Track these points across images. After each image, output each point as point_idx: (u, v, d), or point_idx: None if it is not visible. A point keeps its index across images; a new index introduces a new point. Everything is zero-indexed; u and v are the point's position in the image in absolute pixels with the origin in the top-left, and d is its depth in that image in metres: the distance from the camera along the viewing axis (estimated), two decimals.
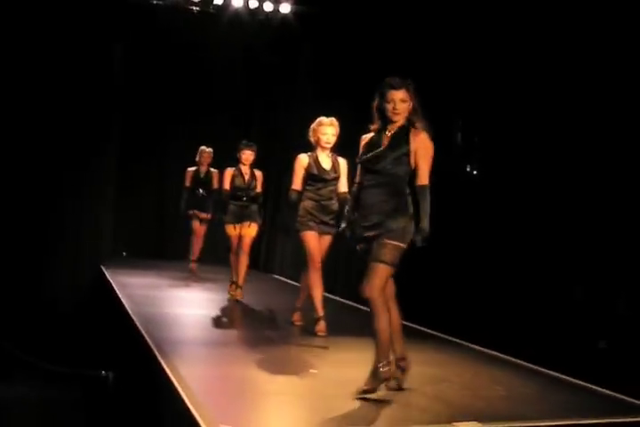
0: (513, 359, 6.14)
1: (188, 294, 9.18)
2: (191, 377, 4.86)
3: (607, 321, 6.44)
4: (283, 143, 11.82)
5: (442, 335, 6.97)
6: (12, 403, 7.59)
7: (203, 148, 10.78)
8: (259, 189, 8.89)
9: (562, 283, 6.62)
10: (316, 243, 6.74)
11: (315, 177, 6.80)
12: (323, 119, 6.82)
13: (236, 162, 8.91)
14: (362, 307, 8.46)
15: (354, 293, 5.88)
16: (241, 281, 8.68)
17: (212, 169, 10.64)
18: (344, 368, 5.50)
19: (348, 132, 6.38)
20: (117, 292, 8.44)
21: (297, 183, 6.84)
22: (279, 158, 11.63)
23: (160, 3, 11.21)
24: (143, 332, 6.22)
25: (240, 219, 8.76)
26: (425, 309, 6.26)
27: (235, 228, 8.74)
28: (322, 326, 6.62)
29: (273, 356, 5.82)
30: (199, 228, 10.80)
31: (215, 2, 11.21)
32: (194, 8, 11.41)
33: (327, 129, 6.81)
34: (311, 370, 5.43)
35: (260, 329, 7.11)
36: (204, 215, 10.75)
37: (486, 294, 7.00)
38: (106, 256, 11.31)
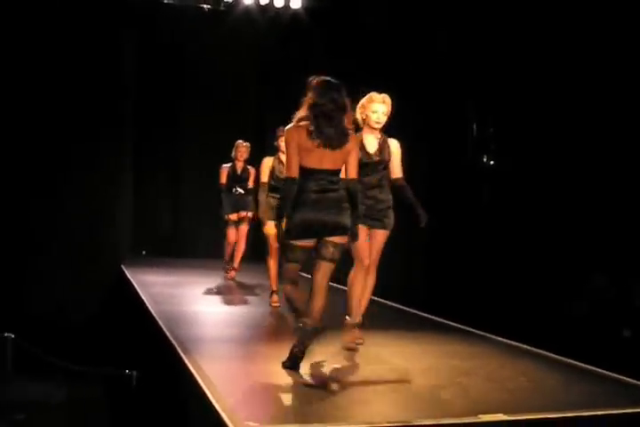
0: (537, 350, 6.11)
1: (209, 291, 9.19)
2: (215, 375, 4.86)
3: (630, 310, 6.41)
4: None
5: (466, 328, 6.94)
6: (36, 402, 7.63)
7: (239, 142, 10.04)
8: None
9: (584, 273, 6.59)
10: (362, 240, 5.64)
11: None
12: (374, 95, 5.87)
13: (274, 151, 7.90)
14: (388, 302, 8.46)
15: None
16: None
17: (248, 166, 9.93)
18: (369, 363, 5.49)
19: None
20: (138, 291, 8.46)
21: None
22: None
23: (171, 1, 11.21)
24: (165, 330, 6.23)
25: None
26: (449, 301, 6.24)
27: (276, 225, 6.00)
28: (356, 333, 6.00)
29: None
30: (233, 234, 10.05)
31: None
32: (205, 6, 11.41)
33: (378, 106, 5.81)
34: (334, 365, 5.42)
35: (283, 325, 7.11)
36: (243, 214, 9.97)
37: (509, 285, 6.97)
38: (126, 255, 11.35)
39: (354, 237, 5.03)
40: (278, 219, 5.02)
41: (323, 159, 4.86)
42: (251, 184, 9.81)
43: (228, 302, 8.35)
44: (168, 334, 6.08)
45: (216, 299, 8.64)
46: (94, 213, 10.73)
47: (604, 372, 5.48)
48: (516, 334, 6.39)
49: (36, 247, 10.26)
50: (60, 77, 10.35)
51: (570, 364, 5.74)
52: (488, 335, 6.64)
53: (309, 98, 4.93)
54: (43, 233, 10.33)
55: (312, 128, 4.84)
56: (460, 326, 7.02)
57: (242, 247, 9.99)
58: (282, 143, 7.41)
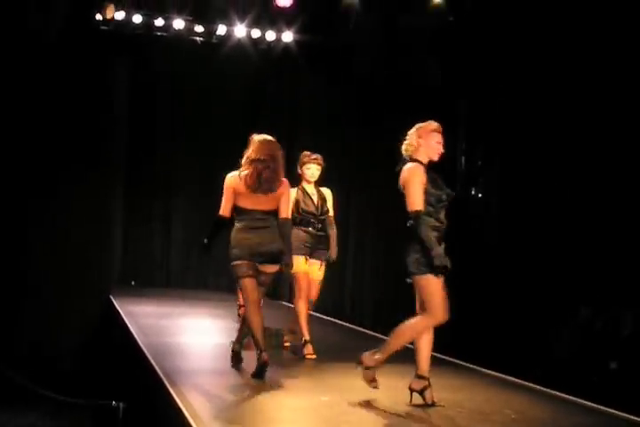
0: (525, 383, 6.12)
1: (198, 322, 9.17)
2: (201, 407, 4.86)
3: (617, 342, 6.43)
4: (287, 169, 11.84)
5: (455, 360, 6.94)
6: None
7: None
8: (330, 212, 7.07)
9: (570, 304, 6.62)
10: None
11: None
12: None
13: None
14: (377, 335, 8.46)
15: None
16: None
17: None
18: (355, 395, 5.49)
19: (349, 159, 6.43)
20: (126, 321, 8.44)
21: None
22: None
23: (164, 34, 11.33)
24: (152, 361, 6.22)
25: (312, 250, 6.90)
26: (439, 334, 6.24)
27: (306, 262, 6.83)
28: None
29: (284, 384, 5.80)
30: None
31: (218, 32, 11.33)
32: (197, 38, 11.53)
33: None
34: (322, 398, 5.41)
35: (272, 356, 7.09)
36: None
37: (496, 317, 6.99)
38: (114, 286, 11.33)
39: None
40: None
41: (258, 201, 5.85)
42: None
43: (217, 334, 8.32)
44: (155, 365, 6.07)
45: (205, 330, 8.62)
46: (83, 242, 10.71)
47: (592, 404, 5.49)
48: (504, 366, 6.40)
49: (24, 277, 10.22)
50: (52, 107, 10.39)
51: (557, 396, 5.76)
52: (476, 368, 6.64)
53: (250, 152, 5.88)
54: (30, 262, 10.30)
55: (251, 177, 5.79)
56: (449, 358, 7.02)
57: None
58: (307, 171, 6.97)
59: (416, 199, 4.94)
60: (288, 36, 11.44)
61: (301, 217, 6.86)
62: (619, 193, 6.24)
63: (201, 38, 11.54)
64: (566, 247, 6.62)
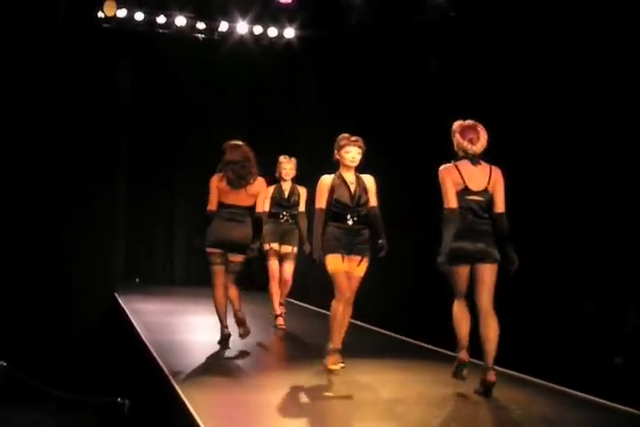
0: (529, 378, 6.12)
1: (202, 319, 9.16)
2: (207, 404, 4.87)
3: (622, 337, 6.43)
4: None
5: (454, 354, 6.91)
6: None
7: (282, 157, 8.42)
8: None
9: (574, 299, 6.61)
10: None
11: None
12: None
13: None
14: (375, 328, 8.47)
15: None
16: None
17: (298, 187, 8.37)
18: (359, 391, 5.50)
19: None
20: (131, 319, 8.45)
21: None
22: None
23: (166, 31, 11.33)
24: (158, 359, 6.23)
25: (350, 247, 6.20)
26: (438, 328, 6.25)
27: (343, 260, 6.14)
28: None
29: (289, 380, 5.81)
30: (277, 267, 8.38)
31: (220, 29, 11.33)
32: (199, 35, 11.54)
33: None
34: (326, 393, 5.42)
35: (275, 354, 7.11)
36: (288, 248, 8.37)
37: (499, 312, 7.00)
38: (119, 283, 11.34)
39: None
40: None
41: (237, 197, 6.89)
42: (301, 208, 8.25)
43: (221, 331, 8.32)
44: (161, 362, 6.08)
45: (209, 327, 8.61)
46: (87, 240, 10.71)
47: (596, 399, 5.49)
48: (507, 361, 6.39)
49: (28, 275, 10.23)
50: (54, 106, 10.38)
51: (561, 391, 5.75)
52: (478, 362, 6.63)
53: (226, 156, 6.95)
54: (35, 260, 10.30)
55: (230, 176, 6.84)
56: (449, 352, 6.98)
57: (285, 292, 8.53)
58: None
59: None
60: (290, 33, 11.44)
61: (335, 210, 6.11)
62: (623, 188, 6.24)
63: (203, 35, 11.56)
64: (571, 242, 6.61)
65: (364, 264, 6.16)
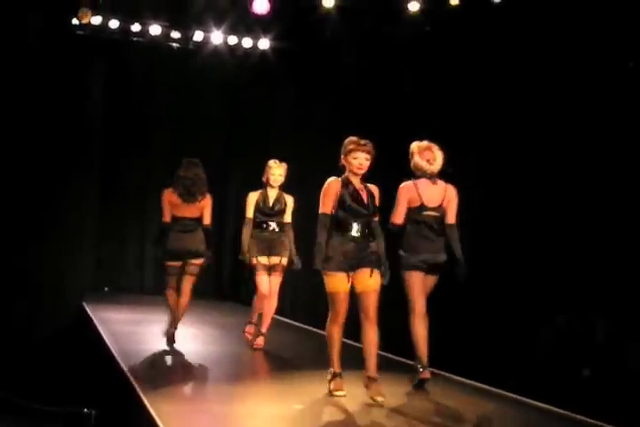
0: (498, 391, 6.13)
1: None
2: (174, 414, 4.84)
3: (590, 349, 6.46)
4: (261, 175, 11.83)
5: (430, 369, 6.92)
6: None
7: (271, 162, 7.75)
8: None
9: (544, 310, 6.64)
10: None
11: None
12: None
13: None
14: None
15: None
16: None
17: (285, 195, 7.82)
18: (328, 403, 5.48)
19: (326, 164, 6.42)
20: (99, 328, 8.39)
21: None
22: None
23: (140, 39, 11.31)
24: (125, 369, 6.19)
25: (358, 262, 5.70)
26: (410, 342, 6.26)
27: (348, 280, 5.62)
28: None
29: (258, 391, 5.80)
30: (267, 283, 7.64)
31: (195, 38, 11.33)
32: (173, 44, 11.53)
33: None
34: (296, 405, 5.40)
35: (244, 364, 7.08)
36: (276, 260, 7.70)
37: (470, 324, 7.01)
38: (88, 292, 11.25)
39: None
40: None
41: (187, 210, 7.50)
42: (287, 219, 7.77)
43: (190, 341, 8.28)
44: (128, 372, 6.04)
45: (177, 337, 8.57)
46: (56, 248, 10.64)
47: (565, 412, 5.52)
48: (477, 373, 6.41)
49: None
50: (27, 112, 10.33)
51: (531, 404, 5.77)
52: (449, 375, 6.65)
53: (179, 171, 7.55)
54: (2, 269, 10.21)
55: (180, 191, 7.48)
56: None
57: (273, 307, 7.76)
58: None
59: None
60: (264, 44, 11.46)
61: (342, 218, 5.61)
62: (591, 199, 6.30)
63: (177, 44, 11.55)
64: (541, 254, 6.65)
65: (377, 276, 5.57)
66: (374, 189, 5.81)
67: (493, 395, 6.07)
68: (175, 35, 11.34)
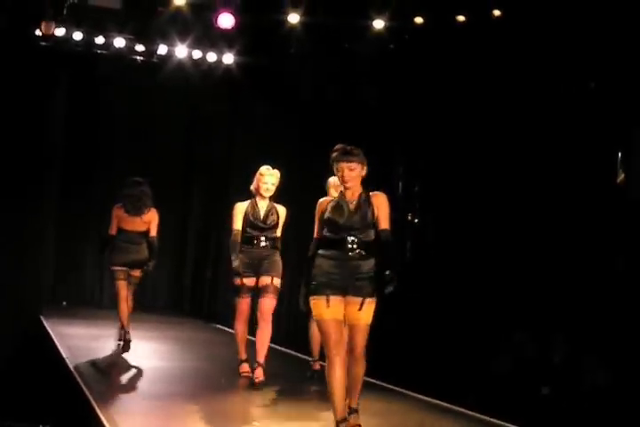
0: (457, 408, 6.13)
1: (131, 344, 9.02)
2: None
3: (550, 368, 6.50)
4: (223, 191, 11.81)
5: (385, 384, 6.92)
6: None
7: (265, 170, 6.75)
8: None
9: (504, 330, 6.68)
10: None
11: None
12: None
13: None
14: (301, 355, 8.42)
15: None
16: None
17: (277, 206, 6.86)
18: (287, 421, 5.45)
19: (288, 179, 6.42)
20: (56, 342, 8.28)
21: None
22: (223, 205, 11.62)
23: (104, 52, 11.25)
24: (82, 384, 6.10)
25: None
26: (370, 358, 6.24)
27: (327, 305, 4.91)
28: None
29: (216, 409, 5.74)
30: (245, 307, 6.79)
31: (159, 52, 11.29)
32: (137, 57, 11.48)
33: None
34: (254, 422, 5.36)
35: (204, 381, 7.01)
36: (267, 280, 6.69)
37: (429, 341, 7.02)
38: (45, 307, 11.10)
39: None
40: None
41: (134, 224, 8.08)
42: (278, 233, 6.86)
43: (148, 356, 8.20)
44: (84, 387, 5.96)
45: (136, 352, 8.48)
46: (12, 261, 10.49)
47: None
48: (436, 391, 6.41)
49: None
50: None
51: (489, 422, 5.77)
52: (407, 392, 6.63)
53: (125, 189, 8.17)
54: None
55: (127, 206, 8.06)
56: (378, 382, 6.97)
57: (268, 334, 6.69)
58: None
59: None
60: (229, 58, 11.45)
61: (327, 236, 4.97)
62: (552, 219, 6.37)
63: (141, 57, 11.49)
64: (501, 272, 6.69)
65: (368, 307, 4.84)
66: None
67: (453, 412, 6.06)
68: (139, 48, 11.28)
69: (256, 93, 11.36)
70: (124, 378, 7.01)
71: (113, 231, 8.15)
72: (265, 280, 6.66)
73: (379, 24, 8.98)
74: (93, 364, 7.28)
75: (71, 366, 6.86)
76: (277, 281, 6.66)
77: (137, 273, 8.27)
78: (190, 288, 12.95)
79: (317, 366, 6.87)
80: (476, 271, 6.88)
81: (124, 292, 8.16)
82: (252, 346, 6.76)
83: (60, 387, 7.08)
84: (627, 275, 6.27)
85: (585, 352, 6.34)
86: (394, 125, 8.15)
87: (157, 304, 12.64)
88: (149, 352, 8.49)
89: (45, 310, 10.73)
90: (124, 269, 8.11)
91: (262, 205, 6.75)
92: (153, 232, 8.14)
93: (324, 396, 5.09)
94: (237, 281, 6.65)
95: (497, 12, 7.37)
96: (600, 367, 6.45)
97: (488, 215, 6.90)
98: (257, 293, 6.71)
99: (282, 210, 6.79)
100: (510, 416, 5.76)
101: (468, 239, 7.01)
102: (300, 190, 8.35)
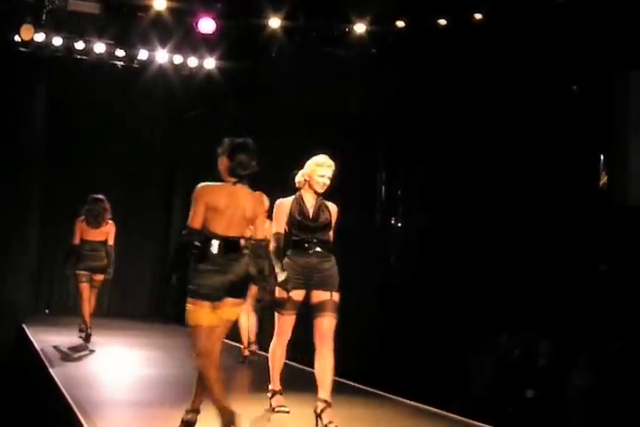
0: (443, 413, 6.11)
1: (112, 352, 8.97)
2: None
3: (533, 371, 6.50)
4: None
5: (369, 389, 6.89)
6: None
7: (323, 159, 5.65)
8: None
9: (489, 334, 6.68)
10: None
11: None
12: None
13: None
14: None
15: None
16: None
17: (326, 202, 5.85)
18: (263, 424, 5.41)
19: (268, 186, 6.37)
20: (39, 350, 8.21)
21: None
22: None
23: (85, 57, 11.19)
24: (64, 392, 6.04)
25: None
26: (350, 362, 6.23)
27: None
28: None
29: (200, 416, 5.68)
30: (291, 324, 5.64)
31: (139, 57, 11.24)
32: (118, 62, 11.43)
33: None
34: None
35: (187, 388, 6.95)
36: (324, 296, 5.50)
37: (413, 345, 7.02)
38: (28, 314, 11.02)
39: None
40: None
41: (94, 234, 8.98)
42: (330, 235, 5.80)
43: (132, 364, 8.14)
44: (67, 395, 5.90)
45: (119, 360, 8.43)
46: None
47: None
48: (420, 395, 6.39)
49: None
50: None
51: (473, 425, 5.76)
52: (392, 397, 6.61)
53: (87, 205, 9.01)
54: None
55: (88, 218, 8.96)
56: (363, 386, 6.94)
57: (330, 364, 5.44)
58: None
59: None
60: (210, 63, 11.42)
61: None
62: (538, 222, 6.38)
63: (122, 63, 11.44)
64: (485, 276, 6.70)
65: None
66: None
67: (437, 416, 6.05)
68: (120, 53, 11.24)
69: (237, 97, 11.34)
70: (107, 385, 6.95)
71: (76, 241, 9.04)
72: (322, 295, 5.44)
73: (360, 28, 8.98)
74: (76, 371, 7.22)
75: (54, 374, 6.79)
76: (337, 296, 5.45)
77: (99, 277, 9.16)
78: (172, 294, 12.87)
79: (246, 353, 7.85)
80: (460, 275, 6.88)
81: (87, 293, 9.11)
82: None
83: (43, 395, 7.02)
84: (610, 279, 6.29)
85: (569, 356, 6.34)
86: (376, 130, 8.15)
87: (139, 311, 12.56)
88: (132, 359, 8.44)
89: (28, 318, 10.65)
90: (87, 273, 9.04)
91: (309, 202, 5.59)
92: (110, 242, 9.17)
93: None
94: (281, 294, 5.42)
95: (478, 16, 7.38)
96: (584, 370, 6.46)
97: (472, 219, 6.90)
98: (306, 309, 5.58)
99: (333, 207, 5.66)
100: (495, 420, 5.75)
101: (452, 243, 7.01)
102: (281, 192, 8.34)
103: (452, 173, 7.23)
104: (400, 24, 8.42)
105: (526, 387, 6.52)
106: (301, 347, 5.74)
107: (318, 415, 5.12)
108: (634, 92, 6.75)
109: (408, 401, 6.45)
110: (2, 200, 10.42)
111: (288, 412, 5.62)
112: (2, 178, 10.43)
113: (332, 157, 5.31)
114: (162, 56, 11.28)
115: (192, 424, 4.90)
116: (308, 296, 5.44)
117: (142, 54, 11.23)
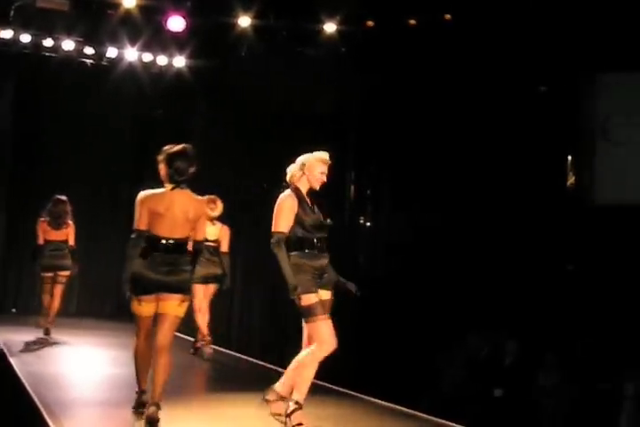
0: (411, 411, 6.13)
1: (80, 351, 8.91)
2: None
3: (501, 370, 6.54)
4: None
5: (338, 388, 6.89)
6: None
7: (323, 155, 5.37)
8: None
9: (456, 334, 6.71)
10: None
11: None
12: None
13: None
14: (257, 361, 8.38)
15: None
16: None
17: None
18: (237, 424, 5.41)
19: (242, 186, 6.38)
20: (4, 350, 8.13)
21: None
22: None
23: (53, 54, 11.10)
24: (31, 392, 5.99)
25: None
26: (324, 363, 6.23)
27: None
28: None
29: (168, 415, 5.66)
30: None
31: (108, 55, 11.17)
32: (87, 60, 11.34)
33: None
34: None
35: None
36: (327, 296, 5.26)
37: (381, 344, 7.03)
38: None
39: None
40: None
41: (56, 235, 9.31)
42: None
43: (99, 363, 8.09)
44: (34, 396, 5.85)
45: (87, 360, 8.38)
46: None
47: None
48: (389, 394, 6.40)
49: None
50: None
51: (443, 424, 5.78)
52: (361, 396, 6.62)
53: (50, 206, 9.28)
54: None
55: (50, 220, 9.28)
56: (335, 387, 6.95)
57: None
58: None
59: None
60: (180, 61, 11.38)
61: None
62: (506, 222, 6.42)
63: (91, 60, 11.36)
64: (454, 276, 6.73)
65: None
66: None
67: (406, 415, 6.07)
68: (89, 51, 11.15)
69: (207, 96, 11.30)
70: (75, 385, 6.90)
71: (41, 241, 9.38)
72: (325, 295, 5.21)
73: (330, 27, 8.99)
74: (43, 371, 7.16)
75: (20, 374, 6.73)
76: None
77: (64, 273, 9.56)
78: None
79: (198, 344, 8.51)
80: (429, 275, 6.91)
81: (48, 290, 9.57)
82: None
83: (9, 395, 6.95)
84: (577, 279, 6.35)
85: (535, 355, 6.39)
86: (346, 129, 8.17)
87: (105, 311, 12.46)
88: (100, 359, 8.39)
89: None
90: (51, 274, 9.50)
91: (308, 198, 5.26)
92: (71, 242, 9.52)
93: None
94: (309, 299, 5.03)
95: (447, 16, 7.42)
96: (550, 370, 6.51)
97: (441, 219, 6.94)
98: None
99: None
100: (463, 418, 5.78)
101: (421, 243, 7.04)
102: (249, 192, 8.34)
103: (422, 174, 7.26)
104: (370, 23, 8.45)
105: (494, 386, 6.55)
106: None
107: (287, 416, 5.12)
108: (601, 94, 6.83)
109: (379, 401, 6.46)
110: None
111: None
112: None
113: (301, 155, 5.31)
114: (131, 54, 11.21)
115: (155, 421, 4.97)
116: None
117: (111, 52, 11.15)
